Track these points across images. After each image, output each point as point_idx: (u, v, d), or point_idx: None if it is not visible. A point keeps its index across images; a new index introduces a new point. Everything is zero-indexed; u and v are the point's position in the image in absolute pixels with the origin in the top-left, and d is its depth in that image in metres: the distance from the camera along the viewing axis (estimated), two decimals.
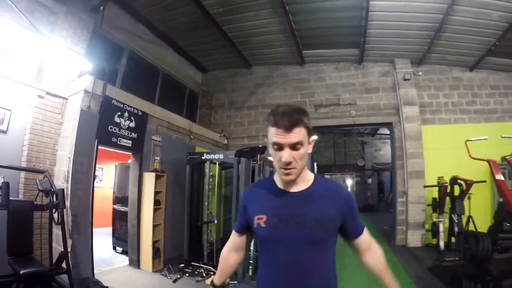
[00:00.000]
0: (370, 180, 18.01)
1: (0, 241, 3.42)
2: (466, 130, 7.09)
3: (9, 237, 3.47)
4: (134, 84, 6.61)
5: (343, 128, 9.60)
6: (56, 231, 3.99)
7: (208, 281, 4.61)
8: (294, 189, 1.33)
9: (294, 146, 1.22)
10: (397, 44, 7.54)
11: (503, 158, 5.01)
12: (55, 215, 3.77)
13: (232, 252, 1.56)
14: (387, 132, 9.55)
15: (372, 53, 8.04)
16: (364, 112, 8.13)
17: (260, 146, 5.51)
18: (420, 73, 8.05)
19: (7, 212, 3.45)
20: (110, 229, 6.93)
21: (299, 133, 1.21)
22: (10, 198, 3.46)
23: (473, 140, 4.42)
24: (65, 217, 3.77)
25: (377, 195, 17.49)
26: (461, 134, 6.15)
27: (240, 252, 1.56)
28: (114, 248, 6.55)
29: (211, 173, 5.97)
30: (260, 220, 1.30)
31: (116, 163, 6.93)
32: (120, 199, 6.68)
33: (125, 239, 6.16)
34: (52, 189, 3.76)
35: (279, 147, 1.23)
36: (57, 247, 4.04)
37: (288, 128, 1.20)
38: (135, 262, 5.32)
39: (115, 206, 6.80)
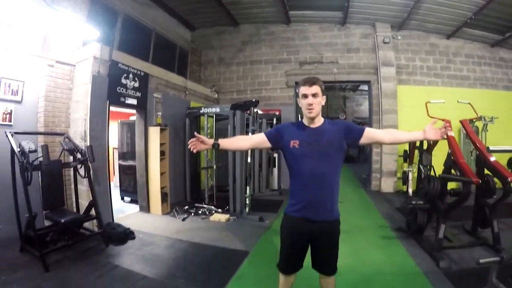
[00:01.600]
0: None
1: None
2: (439, 93, 8.07)
3: (45, 193, 4.12)
4: (130, 46, 7.14)
5: (326, 83, 10.45)
6: (79, 186, 4.76)
7: (215, 219, 5.69)
8: (314, 126, 2.24)
9: (314, 95, 2.16)
10: (379, 10, 8.28)
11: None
12: (81, 171, 4.45)
13: (248, 141, 2.44)
14: (367, 88, 10.54)
15: (355, 16, 8.76)
16: (345, 70, 9.02)
17: (253, 100, 6.39)
18: (399, 37, 8.89)
19: (40, 172, 4.05)
20: (113, 184, 7.60)
21: (316, 88, 2.16)
22: (41, 160, 3.97)
23: (433, 103, 5.33)
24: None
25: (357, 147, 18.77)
26: (434, 95, 6.96)
27: (250, 145, 2.43)
28: (122, 199, 7.43)
29: (208, 125, 6.95)
30: (295, 143, 2.21)
31: (119, 121, 7.61)
32: (124, 155, 7.49)
33: (131, 190, 7.13)
34: (76, 148, 4.43)
35: (306, 96, 2.17)
36: (81, 201, 4.83)
37: (311, 84, 2.15)
38: (145, 208, 6.27)
39: (120, 162, 7.59)
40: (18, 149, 3.66)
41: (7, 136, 3.75)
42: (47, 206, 4.13)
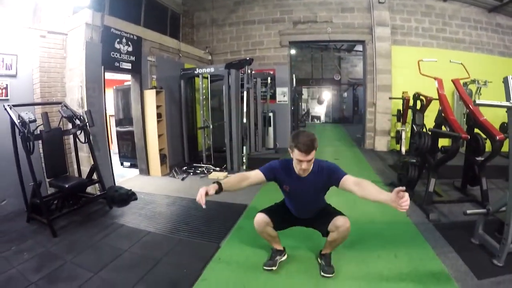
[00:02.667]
0: (345, 94, 19.23)
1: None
2: (433, 54, 7.71)
3: (47, 162, 4.13)
4: (121, 11, 6.86)
5: (320, 43, 10.34)
6: (80, 153, 4.76)
7: (214, 177, 5.81)
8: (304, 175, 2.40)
9: (309, 161, 2.28)
10: None
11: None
12: (81, 137, 4.47)
13: (247, 180, 2.42)
14: (362, 49, 10.38)
15: None
16: (339, 30, 8.81)
17: (247, 58, 6.32)
18: None
19: (41, 141, 4.08)
20: (112, 151, 7.79)
21: (312, 154, 2.26)
22: (41, 130, 4.01)
23: (425, 61, 5.27)
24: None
25: (352, 108, 18.85)
26: (428, 57, 6.51)
27: (249, 184, 2.43)
28: (122, 164, 7.48)
29: (203, 90, 6.89)
30: (286, 188, 2.53)
31: (114, 87, 7.46)
32: (121, 121, 7.43)
33: (129, 155, 7.17)
34: (75, 114, 4.40)
35: (300, 161, 2.27)
36: (82, 167, 4.82)
37: (308, 152, 2.23)
38: (145, 171, 6.36)
39: (118, 128, 7.54)
40: (18, 120, 3.64)
41: (5, 109, 3.70)
42: (50, 174, 4.15)
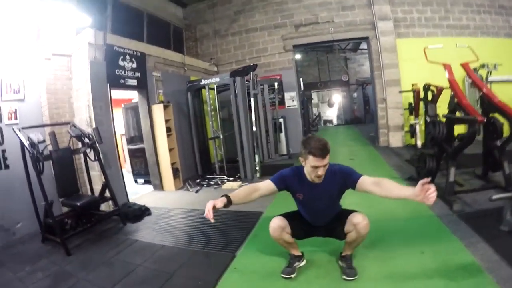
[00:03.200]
0: (355, 94, 18.98)
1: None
2: (439, 43, 7.42)
3: (59, 182, 4.11)
4: (123, 30, 6.93)
5: (324, 44, 10.17)
6: (91, 172, 4.72)
7: (228, 187, 5.69)
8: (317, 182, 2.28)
9: (325, 166, 2.18)
10: None
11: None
12: (91, 155, 4.44)
13: (256, 192, 2.30)
14: (366, 47, 10.20)
15: None
16: (342, 29, 8.68)
17: (251, 64, 6.24)
18: None
19: (52, 161, 4.03)
20: (126, 170, 7.75)
21: (327, 158, 2.16)
22: (50, 150, 4.03)
23: (431, 48, 5.10)
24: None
25: (363, 108, 18.55)
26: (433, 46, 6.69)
27: (259, 195, 2.31)
28: (136, 182, 7.46)
29: (210, 101, 6.83)
30: (300, 196, 2.39)
31: (122, 105, 7.50)
32: (132, 139, 7.43)
33: (143, 172, 7.12)
34: (83, 133, 4.38)
35: (317, 167, 2.16)
36: (94, 186, 4.74)
37: (324, 157, 2.13)
38: (159, 186, 6.29)
39: (129, 146, 7.55)
40: (27, 142, 3.65)
41: (14, 132, 3.72)
42: (62, 194, 4.14)
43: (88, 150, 4.45)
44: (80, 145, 4.51)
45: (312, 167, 2.18)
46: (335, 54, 17.81)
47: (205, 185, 6.12)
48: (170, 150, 6.20)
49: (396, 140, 8.45)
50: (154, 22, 8.68)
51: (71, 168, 4.36)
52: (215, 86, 6.97)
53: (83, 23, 5.06)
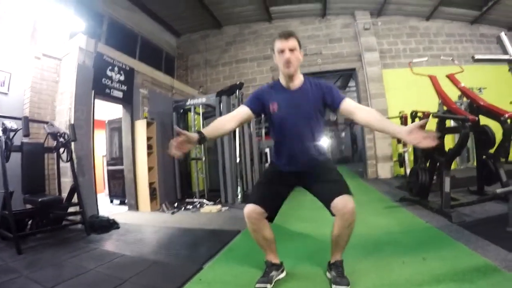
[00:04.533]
0: (343, 134, 18.93)
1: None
2: (423, 72, 7.68)
3: (24, 176, 3.72)
4: (116, 44, 6.71)
5: (312, 75, 10.18)
6: (63, 178, 4.34)
7: (207, 210, 5.16)
8: (293, 87, 1.98)
9: (291, 49, 1.88)
10: None
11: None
12: (63, 156, 4.07)
13: (231, 120, 1.98)
14: (355, 84, 10.23)
15: (334, 7, 8.58)
16: (329, 60, 8.72)
17: (238, 83, 5.98)
18: (380, 23, 8.67)
19: (21, 154, 3.71)
20: (103, 194, 7.38)
21: (293, 41, 1.89)
22: (22, 141, 3.74)
23: (415, 61, 4.93)
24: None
25: (350, 147, 18.43)
26: (419, 76, 6.67)
27: (235, 124, 1.99)
28: (111, 202, 6.91)
29: (195, 121, 6.48)
30: (274, 107, 1.98)
31: (107, 121, 7.13)
32: (113, 160, 6.97)
33: (120, 194, 6.57)
34: (59, 132, 4.05)
35: (282, 51, 1.88)
36: (64, 195, 4.24)
37: (287, 37, 1.89)
38: (134, 206, 5.71)
39: (109, 167, 7.08)
40: (1, 128, 3.42)
41: None
42: (26, 190, 3.70)
43: (61, 150, 4.07)
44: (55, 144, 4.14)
45: (279, 53, 1.91)
46: None
47: (183, 208, 5.54)
48: (150, 169, 5.71)
49: (385, 171, 8.13)
50: (147, 45, 8.63)
51: (40, 165, 3.99)
52: (201, 111, 6.64)
53: (77, 28, 4.94)
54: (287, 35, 1.90)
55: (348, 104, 1.89)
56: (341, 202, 1.82)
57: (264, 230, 1.99)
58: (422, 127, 1.53)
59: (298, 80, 1.99)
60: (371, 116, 1.79)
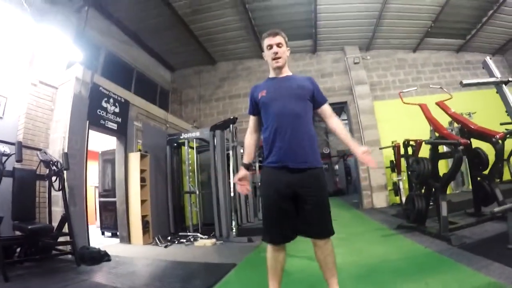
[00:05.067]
0: (337, 166, 18.90)
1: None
2: (414, 101, 7.84)
3: (15, 202, 3.65)
4: (112, 76, 6.71)
5: None
6: (54, 208, 4.21)
7: (201, 244, 5.03)
8: (281, 75, 2.11)
9: (278, 45, 2.06)
10: (346, 33, 8.49)
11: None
12: (55, 184, 3.98)
13: (252, 133, 2.19)
14: (346, 117, 10.42)
15: (324, 43, 8.95)
16: None
17: (231, 117, 6.04)
18: (368, 57, 9.02)
19: (13, 179, 3.65)
20: (95, 226, 7.19)
21: (280, 38, 2.07)
22: (14, 167, 3.71)
23: (405, 91, 5.15)
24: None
25: (345, 179, 18.32)
26: (410, 106, 6.89)
27: (257, 133, 2.18)
28: (103, 234, 6.72)
29: (189, 155, 6.47)
30: (262, 93, 2.05)
31: (100, 151, 7.08)
32: (105, 191, 6.83)
33: (112, 226, 6.39)
34: (52, 161, 4.01)
35: (270, 46, 2.06)
36: (54, 224, 4.14)
37: (274, 34, 2.08)
38: (126, 238, 5.53)
39: (101, 199, 6.94)
40: None
41: None
42: (16, 216, 3.62)
43: (54, 179, 4.01)
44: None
45: (267, 49, 2.08)
46: (316, 128, 18.13)
47: (176, 242, 5.37)
48: (143, 201, 5.61)
49: (380, 200, 8.05)
50: (143, 79, 8.81)
51: (31, 191, 3.93)
52: (195, 145, 6.64)
53: (75, 58, 5.00)
54: (274, 33, 2.08)
55: (327, 108, 2.10)
56: (323, 243, 1.89)
57: (280, 258, 1.96)
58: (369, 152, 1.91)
59: (287, 72, 2.14)
60: (340, 126, 2.05)
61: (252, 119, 2.19)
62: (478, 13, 7.75)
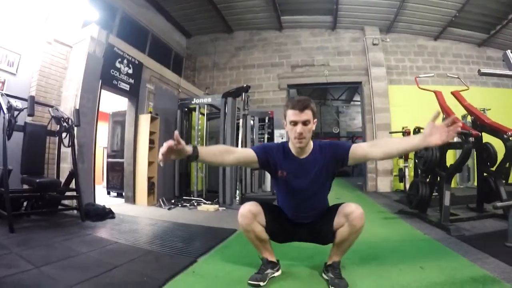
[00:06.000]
0: None
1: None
2: (429, 90, 7.74)
3: (24, 157, 3.71)
4: (127, 38, 6.55)
5: (318, 86, 10.13)
6: (62, 164, 4.30)
7: (204, 209, 5.11)
8: (302, 155, 1.89)
9: (304, 122, 1.77)
10: (367, 12, 8.17)
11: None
12: (65, 141, 4.05)
13: (233, 154, 1.83)
14: (359, 99, 10.23)
15: (344, 20, 8.63)
16: (336, 72, 8.75)
17: (244, 85, 5.96)
18: (388, 40, 8.70)
19: (24, 134, 3.69)
20: (101, 186, 7.26)
21: (308, 114, 1.77)
22: (26, 121, 3.76)
23: (422, 77, 5.01)
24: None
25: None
26: (425, 93, 6.76)
27: (234, 160, 1.84)
28: (108, 193, 6.84)
29: (199, 121, 6.46)
30: (282, 173, 1.90)
31: (111, 112, 7.10)
32: (113, 152, 6.92)
33: (118, 186, 6.52)
34: (63, 117, 4.03)
35: (295, 123, 1.77)
36: (62, 180, 4.24)
37: (302, 109, 1.76)
38: (131, 199, 5.66)
39: (109, 159, 7.03)
40: (6, 106, 3.37)
41: None
42: (25, 170, 3.68)
43: (64, 135, 4.06)
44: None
45: (291, 124, 1.79)
46: (328, 107, 17.98)
47: (180, 205, 5.47)
48: (150, 163, 5.67)
49: (384, 185, 8.05)
50: (158, 43, 8.70)
51: (41, 146, 3.96)
52: (205, 111, 6.60)
53: (91, 18, 5.01)
54: (302, 107, 1.76)
55: (358, 148, 1.80)
56: (352, 205, 1.82)
57: (256, 228, 1.90)
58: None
59: (308, 148, 1.90)
60: (383, 147, 1.74)
61: (249, 152, 1.90)
62: (505, 9, 7.35)
